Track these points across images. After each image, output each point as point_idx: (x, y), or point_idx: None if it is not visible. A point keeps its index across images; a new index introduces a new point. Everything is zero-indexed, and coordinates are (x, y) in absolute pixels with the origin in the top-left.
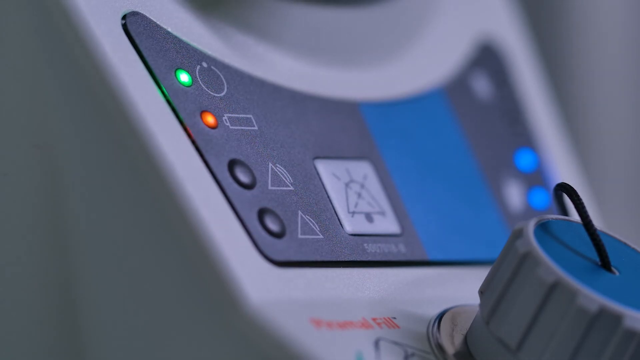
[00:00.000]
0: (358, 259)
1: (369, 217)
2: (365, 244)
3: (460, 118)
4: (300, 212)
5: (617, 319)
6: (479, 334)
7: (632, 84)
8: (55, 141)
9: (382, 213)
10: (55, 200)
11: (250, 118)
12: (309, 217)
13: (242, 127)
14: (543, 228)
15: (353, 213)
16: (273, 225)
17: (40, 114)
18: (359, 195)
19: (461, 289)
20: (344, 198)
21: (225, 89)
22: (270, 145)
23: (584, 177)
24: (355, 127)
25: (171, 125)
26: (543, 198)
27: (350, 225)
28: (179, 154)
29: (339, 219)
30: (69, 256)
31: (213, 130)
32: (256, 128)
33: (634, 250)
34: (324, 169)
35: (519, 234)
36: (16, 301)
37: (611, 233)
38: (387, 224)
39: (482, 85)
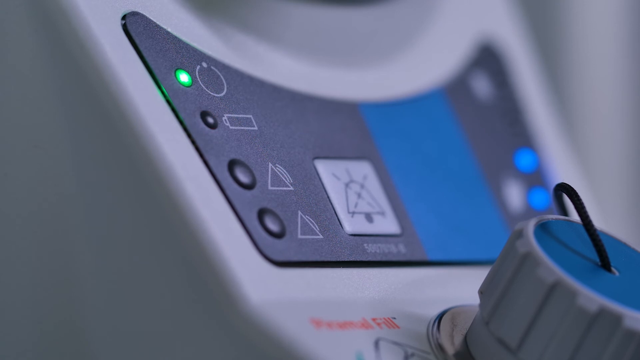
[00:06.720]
0: (358, 259)
1: (368, 217)
2: (365, 244)
3: (460, 118)
4: (300, 212)
5: (617, 319)
6: (479, 334)
7: (631, 84)
8: (56, 141)
9: (382, 213)
10: (55, 200)
11: (250, 118)
12: (308, 217)
13: (242, 127)
14: (543, 228)
15: (353, 213)
16: (273, 226)
17: (40, 114)
18: (359, 195)
19: (461, 289)
20: (343, 198)
21: (225, 89)
22: (270, 146)
23: (584, 177)
24: (355, 127)
25: (171, 126)
26: (543, 198)
27: (350, 225)
28: (179, 154)
29: (338, 219)
30: (69, 256)
31: (213, 131)
32: (256, 128)
33: (634, 250)
34: (324, 169)
35: (519, 234)
36: (16, 301)
37: (611, 233)
38: (387, 224)
39: (482, 86)
